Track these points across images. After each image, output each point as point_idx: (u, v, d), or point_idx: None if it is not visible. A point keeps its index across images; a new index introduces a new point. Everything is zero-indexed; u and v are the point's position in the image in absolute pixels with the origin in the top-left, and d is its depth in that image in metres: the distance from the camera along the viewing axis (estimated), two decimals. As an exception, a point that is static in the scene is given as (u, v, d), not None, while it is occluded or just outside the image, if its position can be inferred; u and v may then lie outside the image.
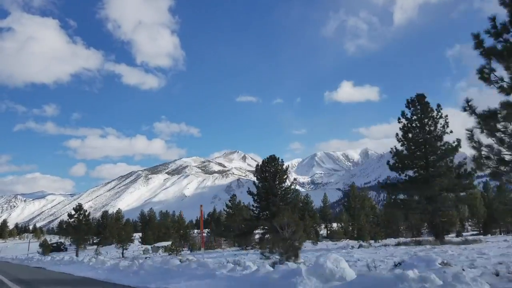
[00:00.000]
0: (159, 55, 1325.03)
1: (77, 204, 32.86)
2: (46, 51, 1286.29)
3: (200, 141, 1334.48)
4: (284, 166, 31.83)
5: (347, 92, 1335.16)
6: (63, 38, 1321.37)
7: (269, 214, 30.10)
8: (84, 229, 30.88)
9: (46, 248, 61.82)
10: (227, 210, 53.35)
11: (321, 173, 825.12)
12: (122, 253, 38.17)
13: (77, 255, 29.28)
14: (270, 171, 31.81)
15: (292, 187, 31.48)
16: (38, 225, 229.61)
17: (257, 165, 32.35)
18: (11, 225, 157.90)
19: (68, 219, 31.03)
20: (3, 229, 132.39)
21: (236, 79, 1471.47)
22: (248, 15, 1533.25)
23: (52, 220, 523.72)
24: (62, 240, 77.33)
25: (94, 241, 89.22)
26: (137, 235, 75.21)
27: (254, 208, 32.45)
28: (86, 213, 32.29)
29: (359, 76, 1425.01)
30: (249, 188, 33.00)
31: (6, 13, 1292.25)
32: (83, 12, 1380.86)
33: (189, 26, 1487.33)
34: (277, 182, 31.66)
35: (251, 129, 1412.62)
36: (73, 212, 31.38)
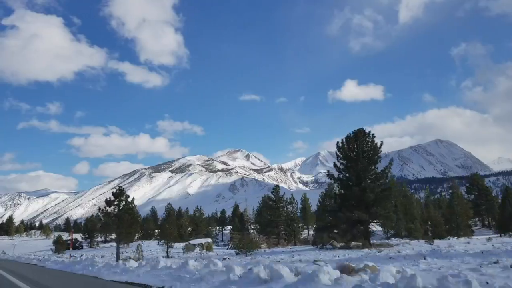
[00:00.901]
0: (163, 53, 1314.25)
1: (118, 187, 25.91)
2: (50, 49, 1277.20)
3: (204, 140, 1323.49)
4: (377, 143, 25.21)
5: (351, 90, 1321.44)
6: (67, 36, 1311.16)
7: (365, 203, 23.57)
8: (127, 220, 23.89)
9: (62, 246, 55.87)
10: (270, 203, 46.87)
11: (324, 172, 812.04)
12: (167, 253, 31.81)
13: (118, 259, 22.23)
14: (357, 149, 25.31)
15: (387, 170, 24.86)
16: (42, 222, 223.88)
17: (338, 142, 25.82)
18: (15, 223, 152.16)
19: (105, 207, 24.23)
20: (9, 226, 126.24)
21: (240, 77, 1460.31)
22: (252, 13, 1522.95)
23: (56, 218, 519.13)
24: (76, 237, 71.08)
25: (107, 238, 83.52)
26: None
27: (336, 197, 25.93)
28: (129, 200, 25.17)
29: (364, 74, 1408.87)
30: (328, 171, 26.58)
31: (10, 11, 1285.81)
32: (87, 10, 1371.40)
33: (193, 24, 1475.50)
34: (367, 162, 25.15)
35: (254, 127, 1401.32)
36: (112, 198, 24.52)
